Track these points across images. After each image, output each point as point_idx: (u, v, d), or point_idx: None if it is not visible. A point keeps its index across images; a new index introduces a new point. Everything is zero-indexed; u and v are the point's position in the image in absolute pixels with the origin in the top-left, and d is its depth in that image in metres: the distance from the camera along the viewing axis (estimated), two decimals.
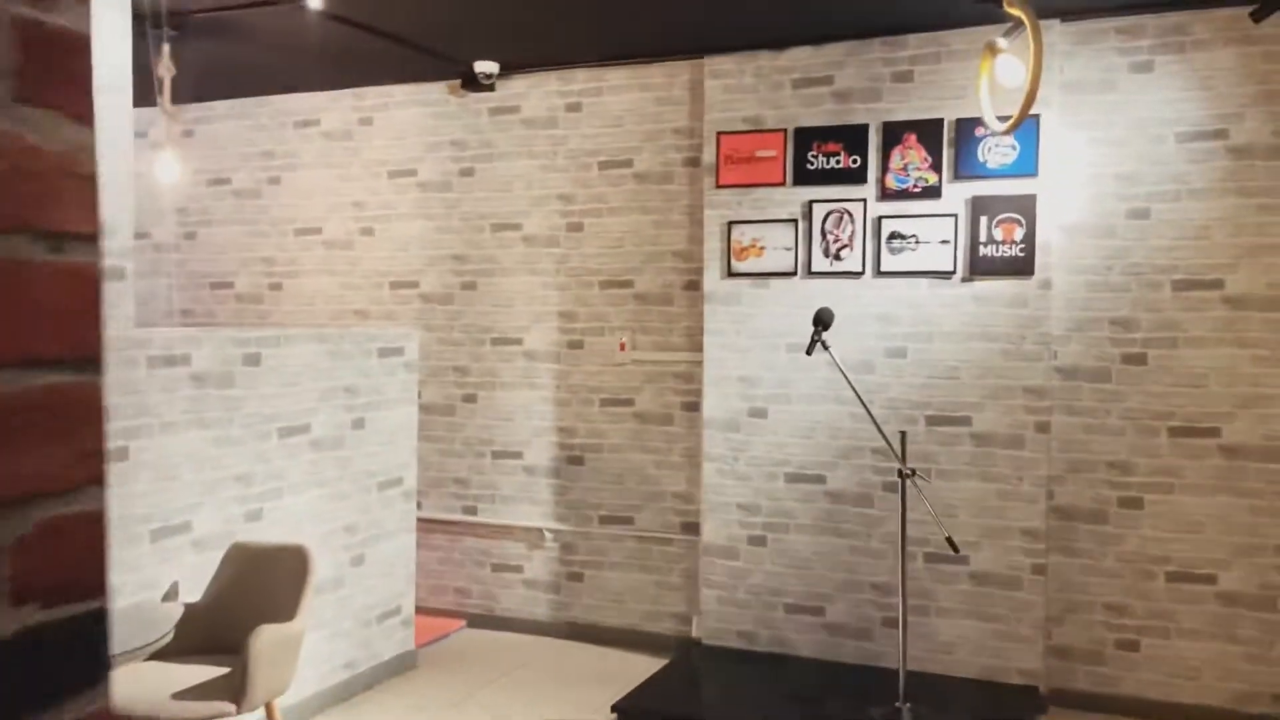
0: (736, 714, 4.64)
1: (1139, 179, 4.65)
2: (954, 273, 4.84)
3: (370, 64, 5.68)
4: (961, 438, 4.85)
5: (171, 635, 3.08)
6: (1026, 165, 4.68)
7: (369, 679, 4.90)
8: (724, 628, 5.30)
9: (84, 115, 0.79)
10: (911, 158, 4.89)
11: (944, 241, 4.84)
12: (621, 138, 5.58)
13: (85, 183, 0.79)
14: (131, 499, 3.68)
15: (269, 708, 3.59)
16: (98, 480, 0.78)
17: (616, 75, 5.57)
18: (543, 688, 5.01)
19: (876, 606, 5.01)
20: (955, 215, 4.82)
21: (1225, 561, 4.56)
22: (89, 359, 0.78)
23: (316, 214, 6.28)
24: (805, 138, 5.07)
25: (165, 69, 4.73)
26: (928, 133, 4.86)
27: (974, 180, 4.79)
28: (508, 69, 5.71)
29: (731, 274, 5.22)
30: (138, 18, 4.62)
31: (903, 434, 4.09)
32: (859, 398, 4.24)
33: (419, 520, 5.94)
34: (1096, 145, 4.71)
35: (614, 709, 4.59)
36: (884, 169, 4.94)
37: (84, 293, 0.78)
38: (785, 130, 5.10)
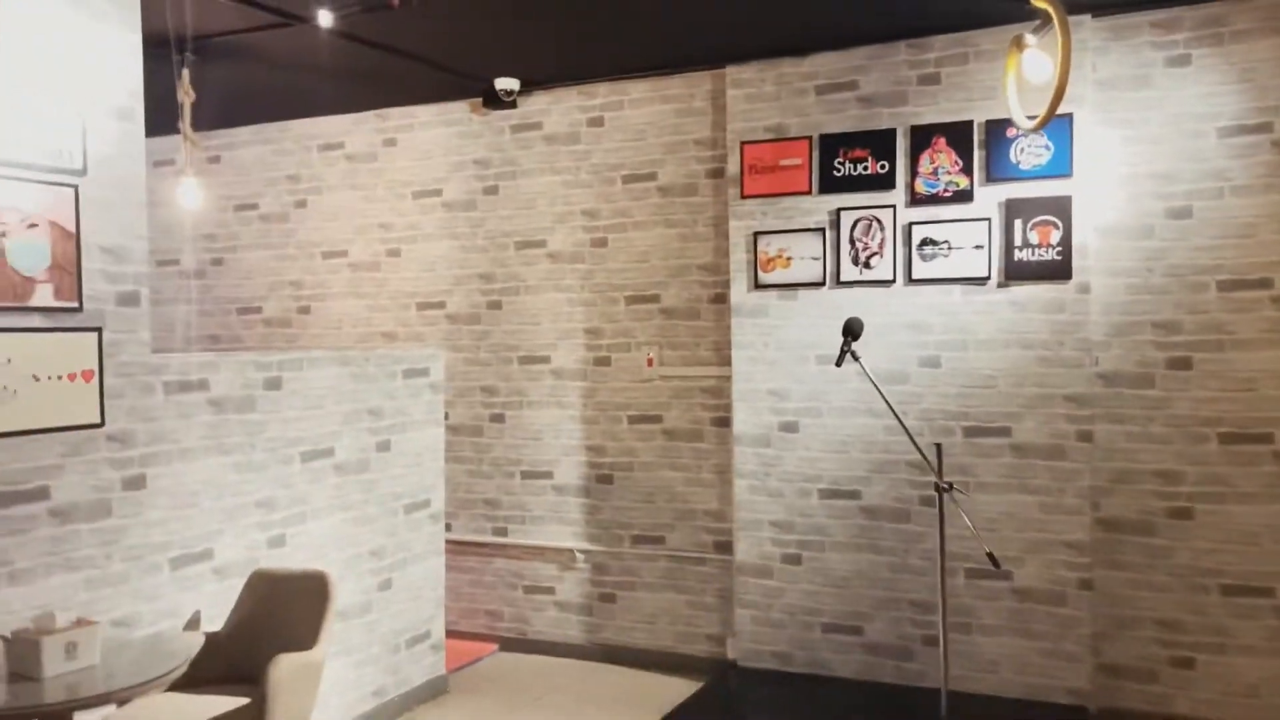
0: None
1: (1177, 177, 4.49)
2: (988, 278, 4.69)
3: (392, 85, 5.66)
4: (1000, 449, 4.69)
5: (185, 666, 3.02)
6: (1060, 166, 4.54)
7: (399, 706, 4.82)
8: (760, 649, 5.16)
9: None
10: (941, 161, 4.76)
11: (977, 247, 4.70)
12: (644, 151, 5.50)
13: None
14: (149, 527, 3.63)
15: None
16: None
17: (637, 88, 5.50)
18: (577, 712, 4.90)
19: (916, 625, 4.85)
20: (988, 219, 4.68)
21: None
22: None
23: (343, 236, 6.27)
24: (831, 145, 4.96)
25: (185, 94, 4.73)
26: (957, 135, 4.73)
27: (1006, 183, 4.65)
28: (529, 85, 5.66)
29: (759, 286, 5.11)
30: (159, 43, 4.63)
31: (938, 446, 3.95)
32: (891, 409, 4.10)
33: (449, 542, 5.87)
34: (1132, 143, 4.55)
35: None
36: (913, 174, 4.82)
37: None
38: (810, 138, 5.00)
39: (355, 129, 6.21)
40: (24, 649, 2.86)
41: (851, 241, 4.93)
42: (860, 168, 4.90)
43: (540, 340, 5.78)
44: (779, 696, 4.86)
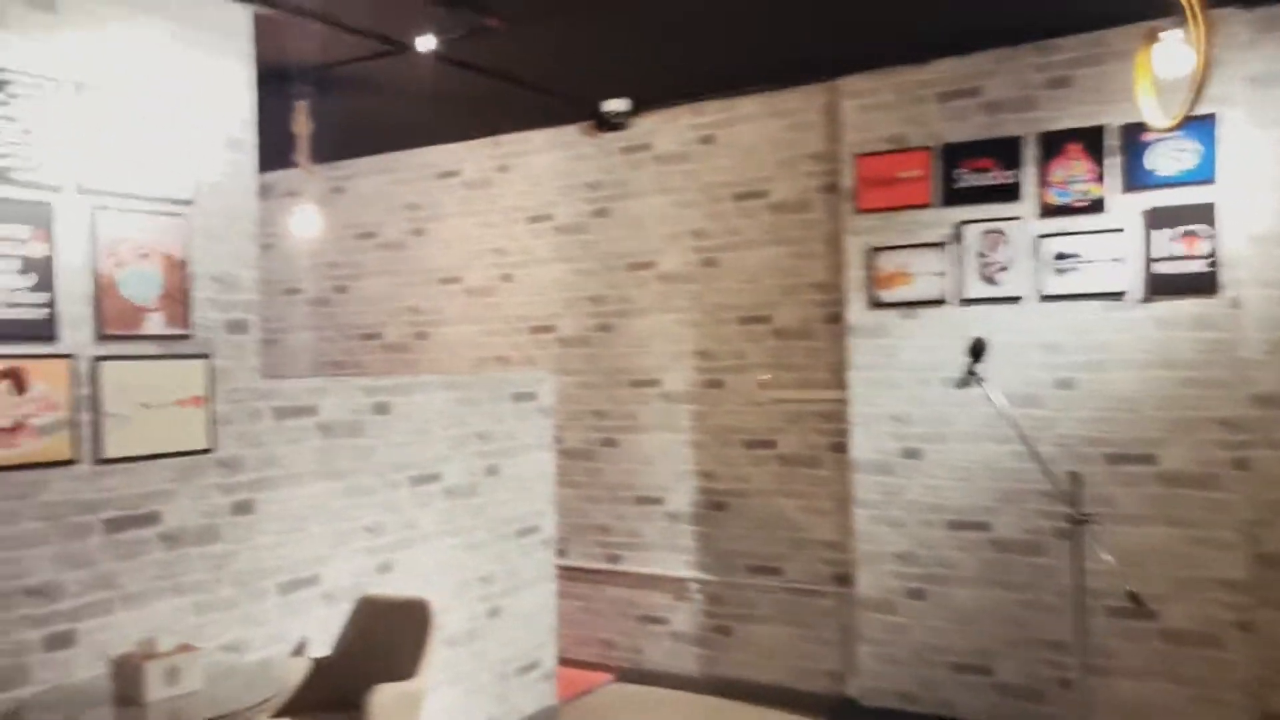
0: None
1: None
2: (1128, 293, 4.35)
3: (506, 111, 5.68)
4: (1144, 477, 4.33)
5: (283, 694, 3.00)
6: (1206, 170, 4.18)
7: None
8: (882, 687, 4.89)
9: None
10: (1074, 169, 4.46)
11: (1115, 259, 4.37)
12: (755, 168, 5.35)
13: None
14: (258, 552, 3.66)
15: None
16: None
17: (748, 105, 5.36)
18: None
19: (1051, 666, 4.50)
20: (1126, 230, 4.35)
21: None
22: None
23: (458, 262, 6.31)
24: (953, 154, 4.70)
25: (302, 125, 4.83)
26: (1091, 141, 4.41)
27: (1145, 190, 4.31)
28: (639, 106, 5.59)
29: (876, 304, 4.88)
30: (278, 76, 4.74)
31: (1073, 474, 3.65)
32: (1020, 435, 3.82)
33: (562, 569, 5.80)
34: None
35: None
36: (1043, 183, 4.52)
37: None
38: (930, 148, 4.76)
39: (470, 156, 6.26)
40: (128, 673, 2.89)
41: (976, 256, 4.66)
42: (985, 178, 4.63)
43: (650, 363, 5.67)
44: None
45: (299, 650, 3.79)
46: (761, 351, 5.35)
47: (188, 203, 3.45)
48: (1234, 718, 4.17)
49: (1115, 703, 4.35)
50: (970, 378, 3.81)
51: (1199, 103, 3.10)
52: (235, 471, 3.58)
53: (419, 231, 6.46)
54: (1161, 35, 3.26)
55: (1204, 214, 4.18)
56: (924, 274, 4.77)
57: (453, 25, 4.01)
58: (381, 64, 4.66)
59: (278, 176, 6.90)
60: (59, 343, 3.07)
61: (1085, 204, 4.43)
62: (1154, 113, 3.30)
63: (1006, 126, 4.60)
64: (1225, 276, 4.17)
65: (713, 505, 5.50)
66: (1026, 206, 4.56)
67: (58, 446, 3.06)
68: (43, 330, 3.03)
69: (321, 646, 3.84)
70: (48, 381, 3.03)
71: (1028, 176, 4.55)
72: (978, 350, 3.83)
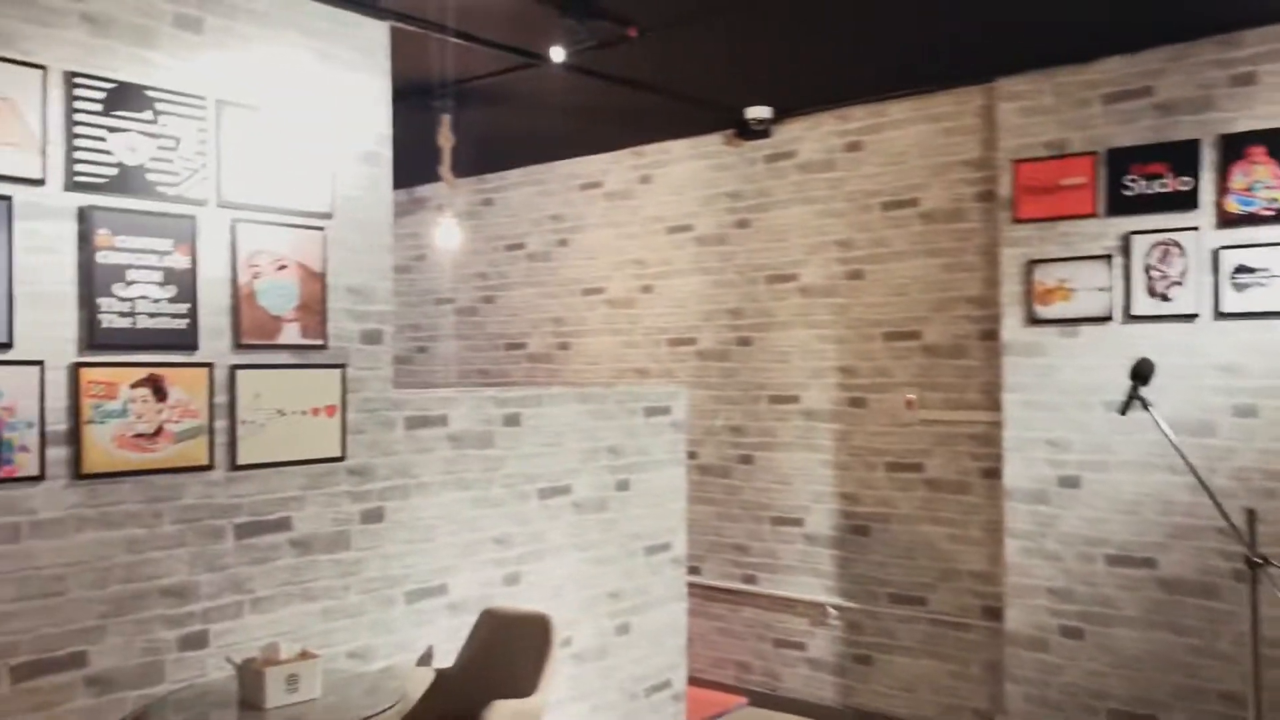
0: None
1: None
2: None
3: (647, 121, 5.64)
4: None
5: (397, 706, 3.00)
6: None
7: None
8: None
9: None
10: (1259, 175, 4.05)
11: None
12: (905, 175, 5.11)
13: None
14: (387, 560, 3.69)
15: None
16: None
17: (898, 109, 5.12)
18: None
19: (1222, 719, 4.09)
20: None
21: None
22: None
23: (600, 273, 6.30)
24: (1120, 160, 4.35)
25: (445, 139, 4.90)
26: (1277, 145, 4.00)
27: None
28: (782, 113, 5.43)
29: (1034, 321, 4.57)
30: (422, 92, 4.84)
31: (1250, 512, 3.28)
32: (1190, 466, 3.47)
33: (697, 587, 5.70)
34: None
35: None
36: (1222, 190, 4.13)
37: None
38: (1095, 153, 4.42)
39: (613, 167, 6.24)
40: (250, 678, 2.94)
41: (1146, 270, 4.29)
42: (1156, 185, 4.27)
43: (790, 379, 5.49)
44: None
45: (424, 660, 3.81)
46: (908, 369, 5.10)
47: (325, 216, 3.52)
48: None
49: None
50: (1134, 402, 3.49)
51: None
52: (366, 480, 3.63)
53: (563, 242, 6.49)
54: None
55: None
56: (1087, 289, 4.43)
57: (588, 36, 3.98)
58: (522, 78, 4.68)
59: (431, 190, 7.09)
60: (198, 352, 3.18)
61: (1272, 212, 4.01)
62: None
63: (1181, 129, 4.22)
64: None
65: (854, 529, 5.28)
66: (1203, 215, 4.17)
67: (195, 452, 3.16)
68: (183, 339, 3.13)
69: (447, 657, 3.85)
70: (186, 389, 3.13)
71: (1205, 183, 4.17)
72: (1143, 372, 3.51)
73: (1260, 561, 3.24)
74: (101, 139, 2.97)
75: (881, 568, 5.18)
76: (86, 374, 2.92)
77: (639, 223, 6.12)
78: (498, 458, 4.08)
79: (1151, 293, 4.28)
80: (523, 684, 3.51)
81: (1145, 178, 4.29)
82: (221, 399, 3.23)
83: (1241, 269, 4.08)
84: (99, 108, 2.96)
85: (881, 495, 5.18)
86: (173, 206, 3.12)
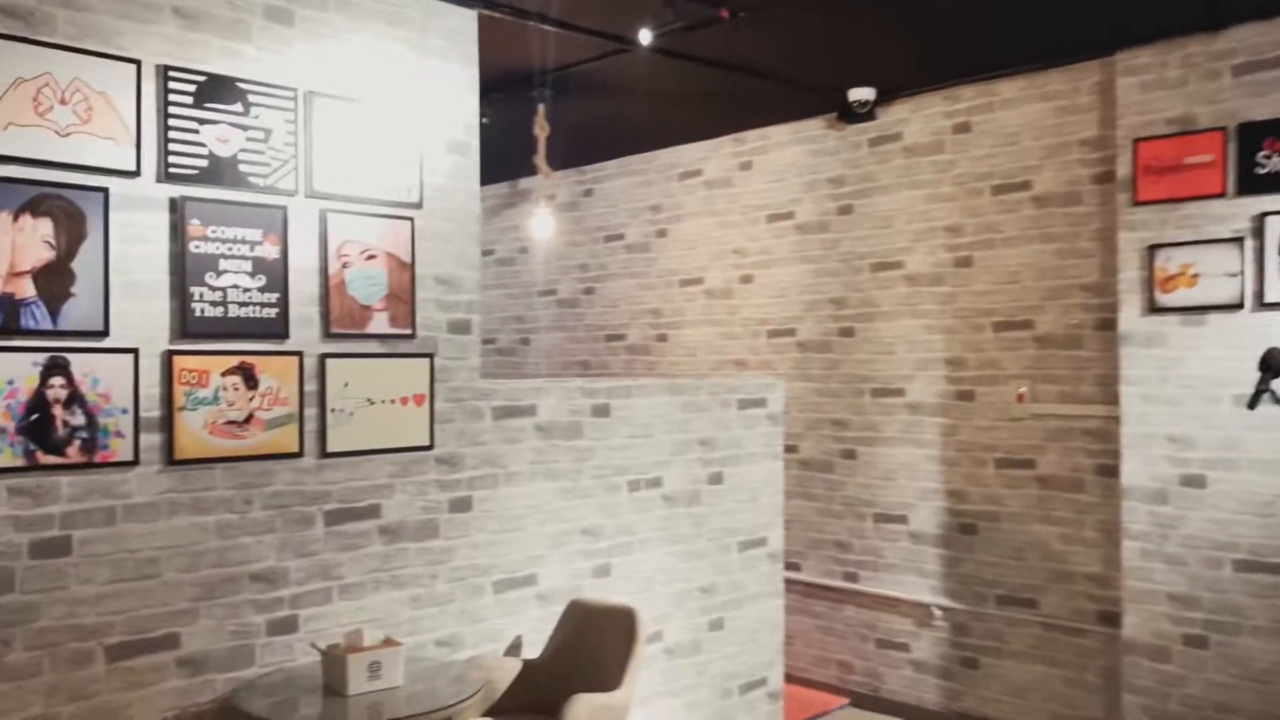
0: None
1: None
2: None
3: (747, 106, 5.52)
4: None
5: (476, 697, 2.98)
6: None
7: None
8: None
9: None
10: None
11: None
12: (1017, 157, 4.86)
13: None
14: (475, 549, 3.69)
15: None
16: None
17: (1010, 87, 4.87)
18: None
19: None
20: None
21: None
22: None
23: (699, 264, 6.21)
24: (1254, 135, 4.04)
25: (541, 128, 4.88)
26: None
27: None
28: (886, 95, 5.24)
29: (1155, 309, 4.28)
30: (520, 82, 4.83)
31: None
32: None
33: (798, 584, 5.57)
34: None
35: None
36: None
37: None
38: (1225, 128, 4.11)
39: (713, 155, 6.14)
40: (333, 665, 2.96)
41: None
42: None
43: (895, 371, 5.30)
44: None
45: (512, 650, 3.79)
46: (1020, 361, 4.86)
47: (414, 205, 3.52)
48: None
49: None
50: (1264, 395, 3.23)
51: None
52: (454, 469, 3.63)
53: (661, 233, 6.41)
54: None
55: None
56: (1214, 274, 4.13)
57: (678, 19, 3.89)
58: (616, 65, 4.62)
59: (534, 182, 7.10)
60: (288, 340, 3.21)
61: None
62: None
63: None
64: None
65: (961, 527, 5.06)
66: None
67: (285, 439, 3.20)
68: (273, 328, 3.18)
69: (535, 647, 3.83)
70: (276, 377, 3.18)
71: None
72: (1275, 363, 3.25)
73: None
74: (194, 131, 3.02)
75: (990, 568, 4.95)
76: (179, 362, 2.98)
77: (738, 211, 6.00)
78: (586, 448, 4.04)
79: None
80: (608, 677, 3.46)
81: None
82: (311, 387, 3.27)
83: None
84: (191, 100, 3.02)
85: (990, 492, 4.95)
86: (263, 197, 3.17)
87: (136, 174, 2.92)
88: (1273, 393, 3.21)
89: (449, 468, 3.62)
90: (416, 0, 3.53)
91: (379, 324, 3.43)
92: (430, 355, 3.57)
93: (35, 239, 2.75)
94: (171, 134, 2.98)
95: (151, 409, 2.94)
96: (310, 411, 3.27)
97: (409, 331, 3.51)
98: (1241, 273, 4.06)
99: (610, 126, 5.95)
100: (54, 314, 2.77)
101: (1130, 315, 4.36)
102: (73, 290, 2.80)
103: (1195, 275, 4.17)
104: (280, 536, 3.20)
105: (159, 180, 2.96)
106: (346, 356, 3.35)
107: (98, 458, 2.84)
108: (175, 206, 2.99)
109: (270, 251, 3.18)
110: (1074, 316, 4.66)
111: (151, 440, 2.94)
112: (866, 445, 5.41)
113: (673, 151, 6.34)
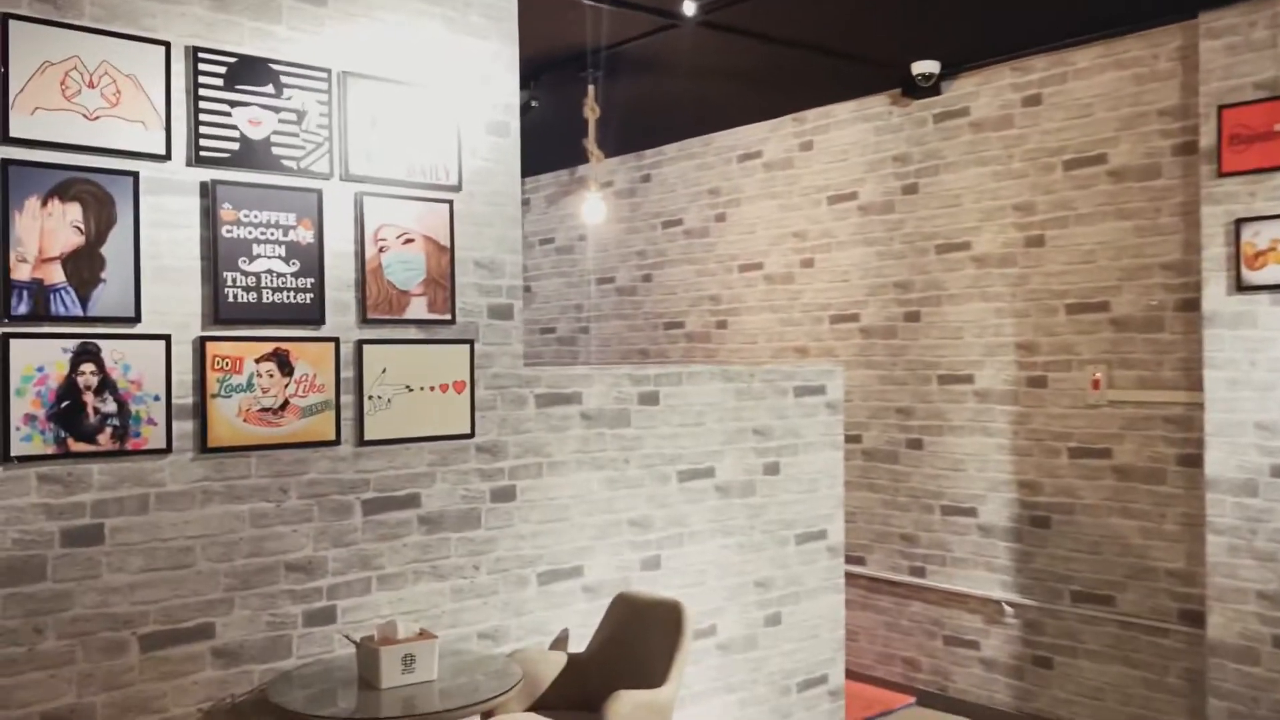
0: None
1: None
2: None
3: (806, 84, 5.34)
4: None
5: (512, 692, 2.88)
6: None
7: None
8: None
9: None
10: None
11: None
12: (1092, 129, 4.60)
13: None
14: (519, 540, 3.60)
15: None
16: None
17: (1084, 56, 4.61)
18: None
19: None
20: None
21: None
22: None
23: (759, 248, 6.04)
24: None
25: (591, 110, 4.77)
26: None
27: None
28: (952, 67, 5.01)
29: (1242, 287, 4.01)
30: (568, 63, 4.73)
31: None
32: None
33: (861, 578, 5.40)
34: None
35: None
36: None
37: None
38: None
39: (772, 135, 5.96)
40: (366, 657, 2.89)
41: None
42: None
43: (963, 356, 5.07)
44: None
45: (558, 643, 3.70)
46: (1095, 345, 4.60)
47: (453, 188, 3.44)
48: None
49: None
50: None
51: None
52: (496, 458, 3.54)
53: (720, 217, 6.26)
54: None
55: None
56: None
57: None
58: (667, 42, 4.49)
59: (591, 168, 7.00)
60: (324, 326, 3.15)
61: None
62: None
63: None
64: None
65: (1033, 520, 4.82)
66: None
67: (321, 427, 3.14)
68: (308, 314, 3.12)
69: (582, 641, 3.72)
70: (312, 363, 3.12)
71: None
72: None
73: None
74: (225, 113, 2.97)
75: (1064, 563, 4.71)
76: (212, 348, 2.94)
77: (799, 193, 5.81)
78: (634, 437, 3.92)
79: None
80: (653, 673, 3.34)
81: None
82: (348, 374, 3.20)
83: None
84: (221, 82, 2.97)
85: (1064, 484, 4.70)
86: (297, 180, 3.10)
87: (167, 158, 2.87)
88: None
89: (491, 456, 3.53)
90: None
91: (417, 309, 3.35)
92: (471, 341, 3.48)
93: (64, 224, 2.72)
94: (202, 117, 2.93)
95: (184, 396, 2.90)
96: (347, 399, 3.20)
97: (448, 317, 3.43)
98: None
99: (666, 109, 5.81)
100: (84, 300, 2.74)
101: (1215, 294, 4.09)
102: (103, 276, 2.77)
103: None
104: (317, 526, 3.14)
105: (190, 164, 2.91)
106: (384, 343, 3.28)
107: (129, 445, 2.81)
108: (206, 190, 2.94)
109: (305, 236, 3.12)
110: (1153, 297, 4.40)
111: (184, 428, 2.90)
112: (933, 435, 5.19)
113: (731, 133, 6.18)
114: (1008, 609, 4.90)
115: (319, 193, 3.14)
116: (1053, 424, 4.74)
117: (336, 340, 3.18)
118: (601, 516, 3.83)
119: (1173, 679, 4.36)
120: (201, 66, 2.93)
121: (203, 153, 2.93)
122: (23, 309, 2.66)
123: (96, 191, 2.76)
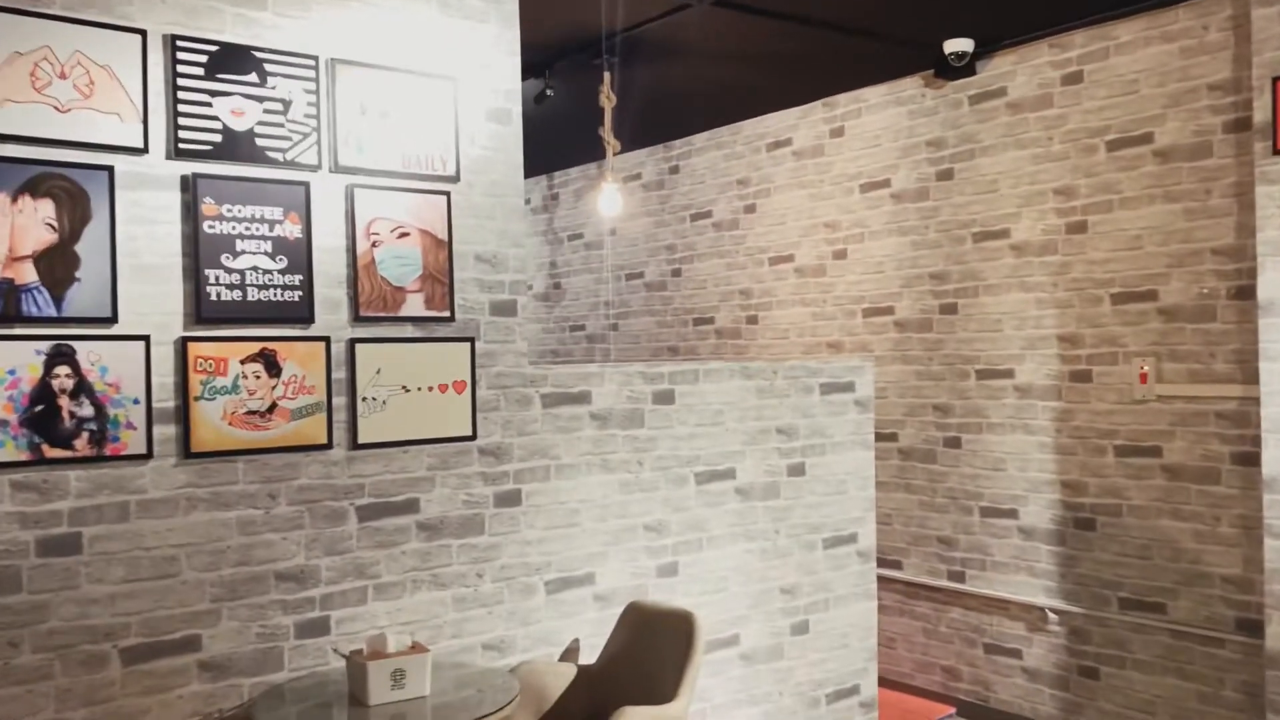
0: None
1: None
2: None
3: (836, 68, 5.13)
4: None
5: (510, 709, 2.72)
6: None
7: None
8: None
9: None
10: None
11: None
12: (1136, 107, 4.32)
13: None
14: (525, 546, 3.44)
15: None
16: None
17: (1127, 29, 4.34)
18: None
19: None
20: None
21: None
22: None
23: (789, 240, 5.82)
24: None
25: (606, 98, 4.60)
26: None
27: None
28: (987, 45, 4.76)
29: None
30: (583, 49, 4.57)
31: None
32: None
33: (898, 583, 5.18)
34: None
35: None
36: None
37: None
38: None
39: (801, 122, 5.75)
40: (356, 672, 2.76)
41: None
42: None
43: (1002, 350, 4.81)
44: None
45: (568, 654, 3.54)
46: (1143, 336, 4.33)
47: (450, 179, 3.29)
48: None
49: None
50: None
51: None
52: (500, 460, 3.39)
53: (750, 209, 6.05)
54: None
55: None
56: None
57: None
58: (686, 26, 4.32)
59: (620, 161, 6.83)
60: (313, 325, 3.02)
61: None
62: None
63: None
64: None
65: (1077, 523, 4.56)
66: None
67: (312, 430, 3.02)
68: (296, 312, 2.99)
69: (593, 651, 3.56)
70: (301, 364, 2.99)
71: None
72: None
73: None
74: (206, 104, 2.85)
75: (1110, 568, 4.44)
76: (194, 349, 2.82)
77: (830, 181, 5.59)
78: (648, 438, 3.75)
79: None
80: (664, 686, 3.17)
81: None
82: (340, 375, 3.07)
83: None
84: (202, 72, 2.85)
85: (1110, 484, 4.44)
86: (283, 173, 2.98)
87: (144, 151, 2.76)
88: None
89: (494, 459, 3.38)
90: None
91: (414, 306, 3.21)
92: (471, 339, 3.33)
93: (36, 221, 2.61)
94: (181, 108, 2.81)
95: (165, 399, 2.78)
96: (339, 400, 3.07)
97: (447, 314, 3.28)
98: None
99: (689, 97, 5.63)
100: (58, 300, 2.64)
101: (1272, 280, 3.80)
102: (77, 275, 2.66)
103: None
104: (309, 533, 3.01)
105: (169, 157, 2.80)
106: (378, 341, 3.14)
107: (108, 450, 2.70)
108: (187, 184, 2.82)
109: (292, 231, 2.99)
110: (1205, 285, 4.12)
111: (166, 432, 2.78)
112: (972, 432, 4.95)
113: (760, 121, 5.97)
114: (1051, 616, 4.65)
115: (306, 185, 3.01)
116: (1098, 421, 4.48)
117: (327, 339, 3.04)
118: (614, 521, 3.66)
119: (1229, 692, 4.08)
120: (180, 55, 2.81)
121: (182, 145, 2.81)
122: None
123: (70, 187, 2.66)
